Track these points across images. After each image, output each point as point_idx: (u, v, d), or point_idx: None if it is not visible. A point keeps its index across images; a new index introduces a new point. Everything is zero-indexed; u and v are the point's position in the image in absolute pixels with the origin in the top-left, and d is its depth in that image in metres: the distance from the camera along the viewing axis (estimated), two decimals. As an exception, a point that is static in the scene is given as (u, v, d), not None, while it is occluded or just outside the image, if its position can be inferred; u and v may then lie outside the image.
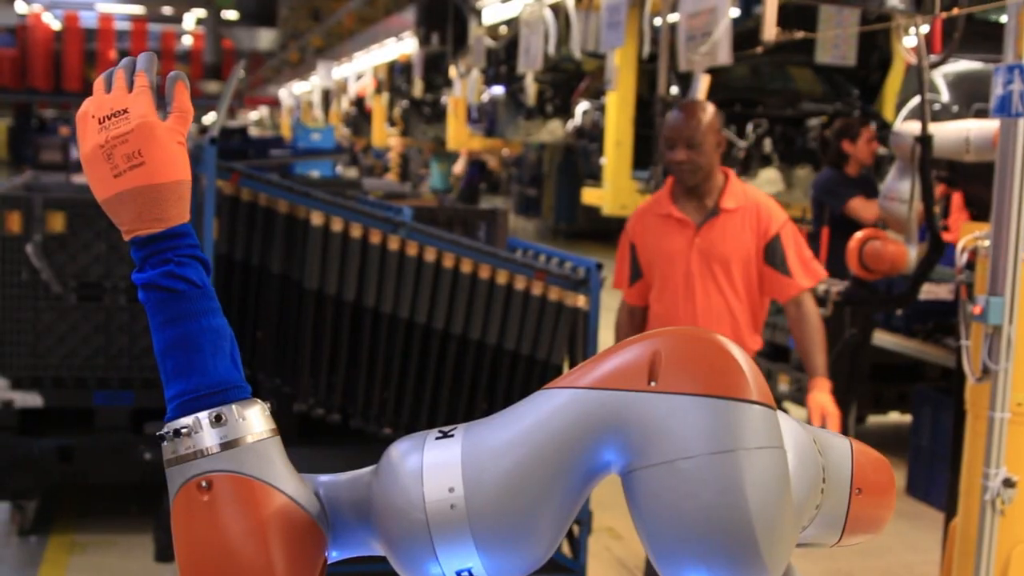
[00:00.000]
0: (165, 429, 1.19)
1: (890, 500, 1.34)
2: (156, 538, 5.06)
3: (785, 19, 5.37)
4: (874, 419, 8.28)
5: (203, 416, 1.18)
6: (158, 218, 1.20)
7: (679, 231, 4.41)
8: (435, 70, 18.89)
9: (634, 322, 4.59)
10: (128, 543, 5.61)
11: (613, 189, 10.24)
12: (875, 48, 10.51)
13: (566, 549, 4.95)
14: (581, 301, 4.79)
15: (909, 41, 5.14)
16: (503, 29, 16.31)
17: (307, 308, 4.63)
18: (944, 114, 5.47)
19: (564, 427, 1.13)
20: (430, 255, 4.64)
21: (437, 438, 1.18)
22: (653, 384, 1.11)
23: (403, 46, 20.82)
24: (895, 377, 7.73)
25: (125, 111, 1.20)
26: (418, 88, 19.81)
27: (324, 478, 1.25)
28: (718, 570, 1.07)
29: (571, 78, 14.13)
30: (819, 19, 9.35)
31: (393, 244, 4.62)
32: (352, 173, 14.75)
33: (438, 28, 16.53)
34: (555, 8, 12.58)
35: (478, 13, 16.44)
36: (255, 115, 48.24)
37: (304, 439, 4.83)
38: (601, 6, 10.10)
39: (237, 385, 1.22)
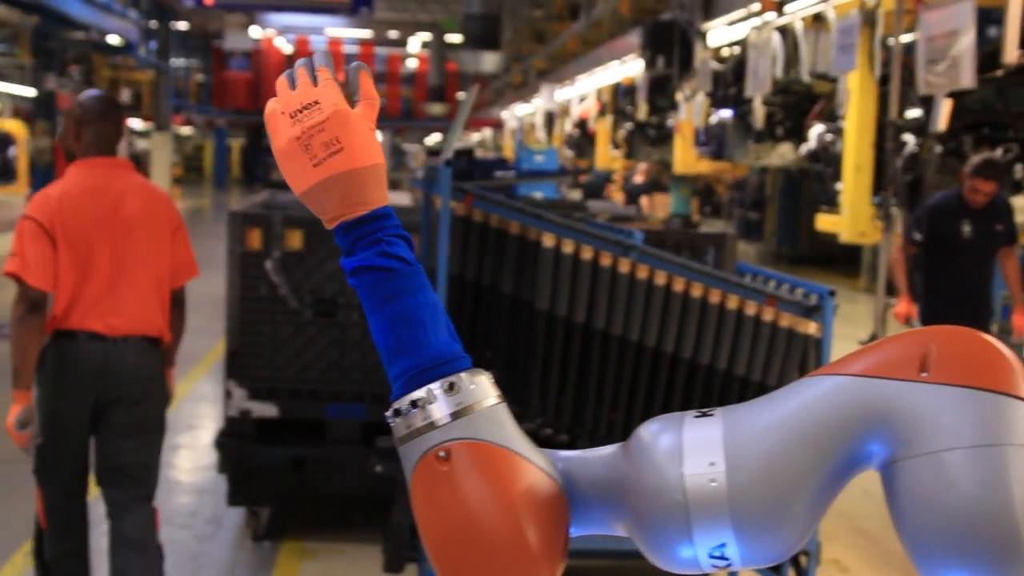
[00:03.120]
0: (398, 404, 1.19)
1: None
2: (384, 549, 5.15)
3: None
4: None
5: (435, 386, 1.18)
6: (361, 201, 1.21)
7: None
8: (660, 92, 18.87)
9: None
10: (357, 552, 5.75)
11: (851, 215, 10.00)
12: None
13: (792, 580, 4.86)
14: (813, 328, 4.71)
15: None
16: (729, 50, 16.18)
17: (537, 328, 4.67)
18: None
19: (831, 412, 1.12)
20: (660, 278, 4.63)
21: (696, 416, 1.17)
22: (924, 375, 1.09)
23: (627, 68, 20.88)
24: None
25: (316, 102, 1.21)
26: (643, 111, 19.82)
27: (562, 453, 1.24)
28: (979, 569, 1.03)
29: (802, 100, 13.90)
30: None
31: (623, 267, 4.62)
32: (575, 195, 14.84)
33: (664, 51, 16.52)
34: (783, 30, 12.44)
35: (704, 35, 16.36)
36: (477, 136, 49.00)
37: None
38: (832, 29, 9.94)
39: (461, 356, 1.21)
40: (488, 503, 1.14)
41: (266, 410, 5.91)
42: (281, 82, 1.26)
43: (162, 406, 4.59)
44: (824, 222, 11.80)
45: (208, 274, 11.30)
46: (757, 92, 12.85)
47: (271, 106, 1.25)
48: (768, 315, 4.66)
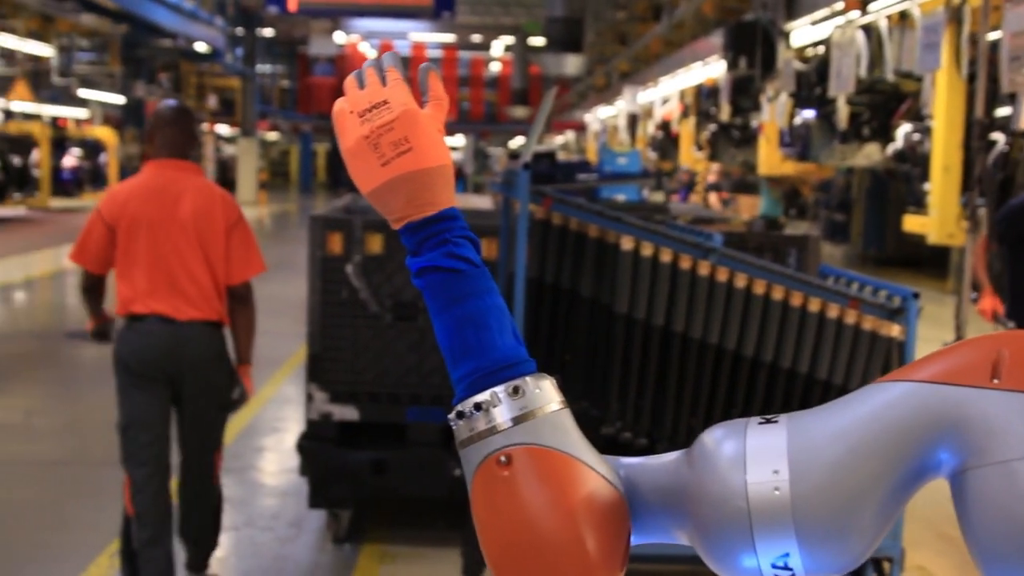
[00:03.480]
0: (461, 407, 1.17)
1: None
2: (464, 553, 5.16)
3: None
4: None
5: (500, 390, 1.16)
6: (429, 202, 1.20)
7: None
8: (743, 93, 18.75)
9: None
10: (436, 556, 5.76)
11: (940, 217, 9.85)
12: None
13: (876, 587, 4.79)
14: (896, 331, 4.64)
15: None
16: (813, 50, 16.03)
17: (616, 332, 4.65)
18: None
19: (900, 419, 1.08)
20: (740, 281, 4.59)
21: (760, 423, 1.14)
22: (996, 381, 1.06)
23: (709, 70, 20.79)
24: None
25: (385, 102, 1.21)
26: (726, 112, 19.72)
27: (625, 460, 1.22)
28: None
29: (888, 99, 13.71)
30: None
31: (703, 269, 4.59)
32: (658, 197, 14.80)
33: (746, 51, 16.39)
34: (867, 28, 12.29)
35: (787, 35, 16.22)
36: (560, 139, 48.98)
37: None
38: (917, 26, 9.81)
39: (526, 359, 1.20)
40: (548, 509, 1.13)
41: (347, 413, 5.94)
42: (350, 82, 1.25)
43: (228, 381, 4.99)
44: (912, 223, 11.64)
45: (291, 278, 11.42)
46: (841, 92, 12.71)
47: (339, 105, 1.25)
48: (850, 318, 4.60)
